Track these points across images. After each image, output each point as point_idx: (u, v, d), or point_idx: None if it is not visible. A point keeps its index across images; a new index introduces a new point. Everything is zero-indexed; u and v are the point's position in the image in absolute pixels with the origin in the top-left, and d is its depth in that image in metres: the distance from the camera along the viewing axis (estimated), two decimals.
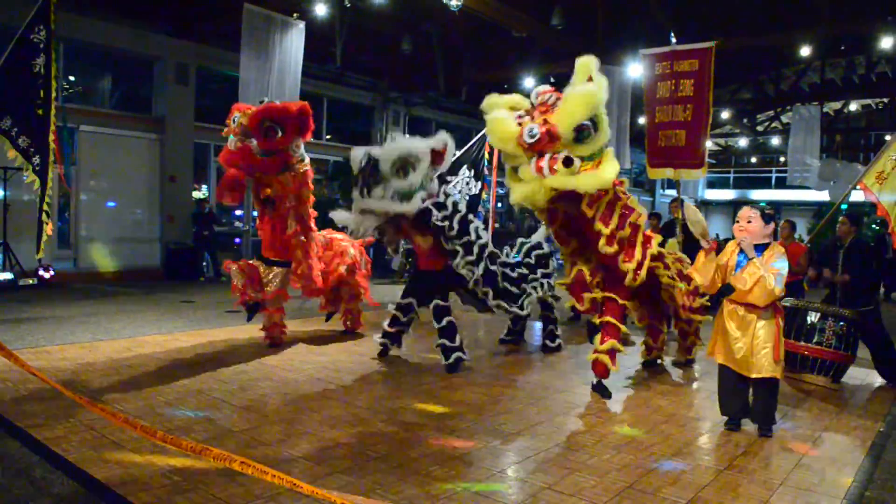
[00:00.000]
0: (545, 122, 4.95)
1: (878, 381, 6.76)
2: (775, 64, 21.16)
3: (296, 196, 7.00)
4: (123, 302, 10.31)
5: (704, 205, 34.14)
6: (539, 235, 8.13)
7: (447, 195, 6.27)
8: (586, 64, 5.12)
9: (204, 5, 13.32)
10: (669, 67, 8.59)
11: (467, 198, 9.63)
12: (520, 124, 5.07)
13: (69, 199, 12.95)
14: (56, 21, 7.61)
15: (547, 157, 4.90)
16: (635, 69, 14.15)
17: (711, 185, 33.82)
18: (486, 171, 10.35)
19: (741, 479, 3.94)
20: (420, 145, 5.94)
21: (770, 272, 4.54)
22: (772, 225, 4.82)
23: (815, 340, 6.37)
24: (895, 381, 6.60)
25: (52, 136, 7.51)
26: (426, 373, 6.41)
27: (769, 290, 4.55)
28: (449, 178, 9.56)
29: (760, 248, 4.70)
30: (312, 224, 7.31)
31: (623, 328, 5.75)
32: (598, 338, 5.73)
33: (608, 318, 5.69)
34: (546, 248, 7.83)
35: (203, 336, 7.75)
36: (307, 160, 7.18)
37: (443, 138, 6.09)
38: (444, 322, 6.42)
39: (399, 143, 5.97)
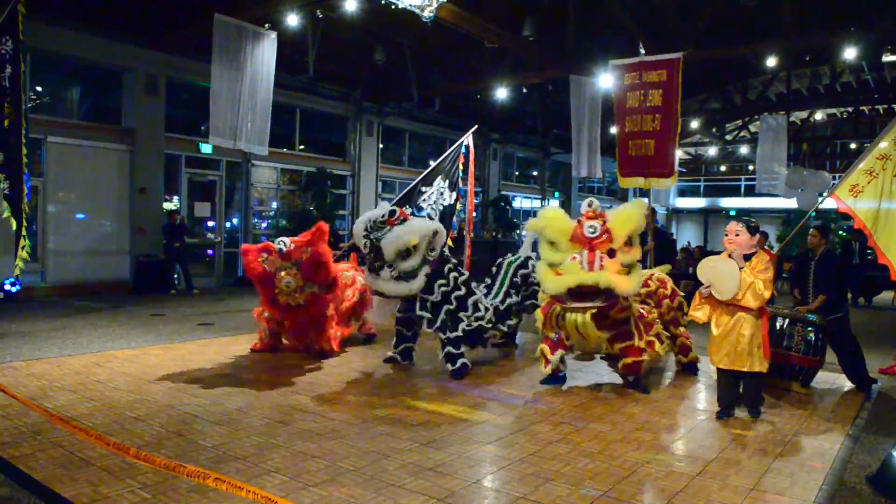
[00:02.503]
0: (604, 223, 5.72)
1: (846, 385, 6.88)
2: (742, 74, 21.56)
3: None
4: (92, 316, 10.13)
5: (675, 213, 34.64)
6: (525, 249, 8.14)
7: (444, 260, 6.76)
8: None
9: (174, 15, 13.21)
10: (638, 78, 8.72)
11: (440, 208, 9.64)
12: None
13: (36, 212, 12.71)
14: (24, 31, 7.50)
15: (598, 253, 5.55)
16: (605, 80, 14.32)
17: (682, 193, 34.32)
18: (460, 182, 10.38)
19: (714, 485, 3.98)
20: (418, 232, 6.33)
21: (759, 278, 5.03)
22: (758, 236, 5.29)
23: (784, 345, 6.47)
24: (864, 386, 6.72)
25: (23, 151, 7.40)
26: (400, 384, 6.40)
27: (759, 294, 5.04)
28: (423, 189, 9.56)
29: (748, 258, 5.20)
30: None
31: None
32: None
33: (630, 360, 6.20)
34: (531, 265, 7.83)
35: (174, 350, 7.65)
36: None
37: (435, 226, 6.62)
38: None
39: (398, 233, 6.26)
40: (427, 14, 10.57)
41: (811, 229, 7.23)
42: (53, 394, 5.56)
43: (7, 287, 11.01)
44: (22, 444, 4.28)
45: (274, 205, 17.60)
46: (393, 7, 10.54)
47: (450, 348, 6.69)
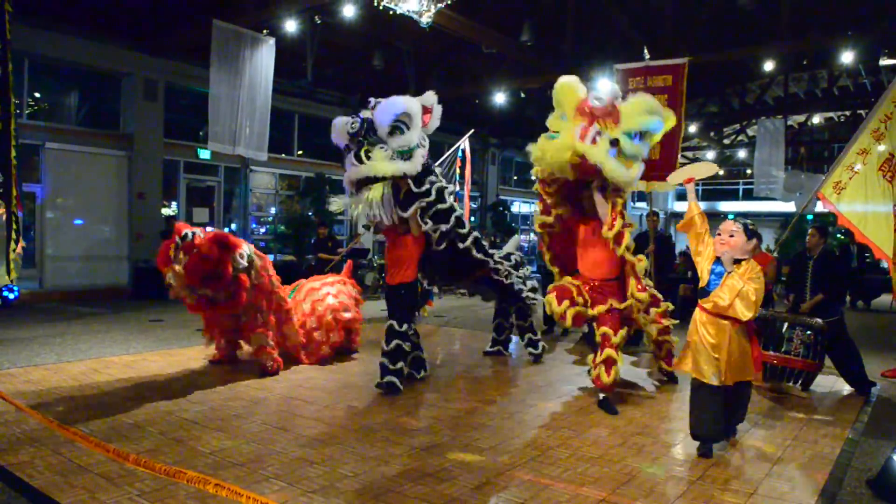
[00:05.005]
0: (615, 99, 5.53)
1: (845, 388, 6.87)
2: (740, 78, 21.58)
3: (265, 291, 6.84)
4: (90, 322, 10.11)
5: (674, 217, 34.64)
6: (511, 246, 8.13)
7: (437, 173, 6.29)
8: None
9: (173, 21, 13.23)
10: (643, 83, 8.72)
11: None
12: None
13: (34, 217, 12.71)
14: (12, 31, 7.46)
15: (594, 128, 5.35)
16: (604, 84, 14.31)
17: (681, 197, 34.29)
18: (457, 186, 10.39)
19: (714, 490, 3.97)
20: (411, 101, 5.90)
21: (750, 286, 4.43)
22: (754, 241, 4.62)
23: (783, 349, 6.47)
24: (862, 389, 6.71)
25: (13, 153, 7.36)
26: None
27: (751, 303, 4.40)
28: None
29: (737, 262, 4.58)
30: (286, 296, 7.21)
31: (616, 337, 5.73)
32: (591, 356, 5.82)
33: (604, 329, 5.77)
34: (517, 257, 7.81)
35: (172, 356, 7.63)
36: (250, 257, 6.62)
37: (431, 97, 6.15)
38: (391, 345, 6.15)
39: (392, 101, 5.79)
40: (425, 19, 10.58)
41: (810, 229, 7.24)
42: (51, 400, 5.55)
43: (5, 293, 10.99)
44: (20, 451, 4.26)
45: (272, 210, 17.60)
46: (391, 13, 10.55)
47: (385, 360, 6.15)
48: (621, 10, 14.21)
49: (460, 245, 6.43)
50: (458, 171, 10.31)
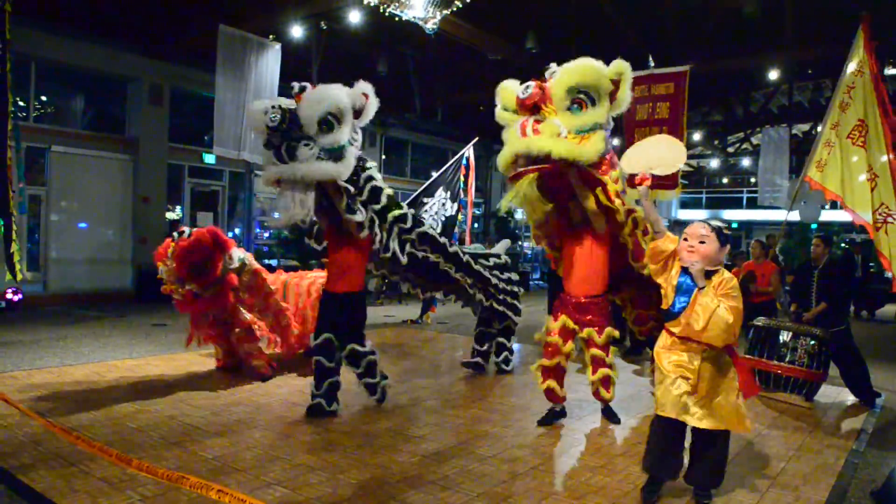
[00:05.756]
0: (542, 82, 4.91)
1: (850, 398, 6.84)
2: (744, 87, 21.60)
3: (259, 297, 6.99)
4: (94, 325, 10.12)
5: (678, 224, 34.59)
6: (500, 247, 7.82)
7: (372, 166, 5.53)
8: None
9: (179, 26, 13.28)
10: (647, 91, 8.76)
11: (442, 219, 9.64)
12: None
13: (39, 220, 12.74)
14: (19, 35, 7.50)
15: (531, 120, 4.73)
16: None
17: (685, 205, 34.25)
18: (461, 194, 10.39)
19: (717, 500, 3.95)
20: (342, 93, 5.08)
21: (725, 304, 3.59)
22: (728, 247, 3.79)
23: (787, 359, 6.44)
24: (867, 399, 6.68)
25: (9, 153, 7.37)
26: (401, 395, 6.37)
27: (728, 326, 3.56)
28: (425, 200, 9.57)
29: (709, 275, 3.73)
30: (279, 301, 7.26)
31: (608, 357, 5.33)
32: (589, 369, 5.46)
33: (594, 352, 5.34)
34: (504, 259, 7.46)
35: (175, 360, 7.63)
36: (242, 260, 6.75)
37: (362, 87, 5.28)
38: (363, 366, 5.65)
39: (318, 92, 4.99)
40: (430, 26, 10.62)
41: (814, 238, 7.23)
42: (54, 404, 5.55)
43: (9, 296, 11.01)
44: (22, 455, 4.27)
45: (276, 215, 17.56)
46: (396, 19, 10.58)
47: (367, 379, 5.75)
48: (626, 18, 14.22)
49: (417, 251, 5.95)
50: (462, 178, 10.32)
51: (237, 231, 16.41)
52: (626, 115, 9.19)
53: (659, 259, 3.93)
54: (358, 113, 5.24)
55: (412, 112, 17.96)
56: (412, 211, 5.98)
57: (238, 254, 6.69)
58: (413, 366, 7.79)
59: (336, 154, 4.97)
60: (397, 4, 10.13)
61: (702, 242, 3.68)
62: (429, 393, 6.54)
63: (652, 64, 8.83)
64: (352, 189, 5.19)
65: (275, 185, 5.09)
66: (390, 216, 5.62)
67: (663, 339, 3.89)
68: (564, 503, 3.83)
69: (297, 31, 12.43)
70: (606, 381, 5.42)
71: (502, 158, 4.83)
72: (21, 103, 12.69)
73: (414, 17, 10.49)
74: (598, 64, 4.83)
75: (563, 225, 5.52)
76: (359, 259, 5.61)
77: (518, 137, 4.70)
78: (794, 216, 10.16)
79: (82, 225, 13.49)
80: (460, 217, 10.46)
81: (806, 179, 7.03)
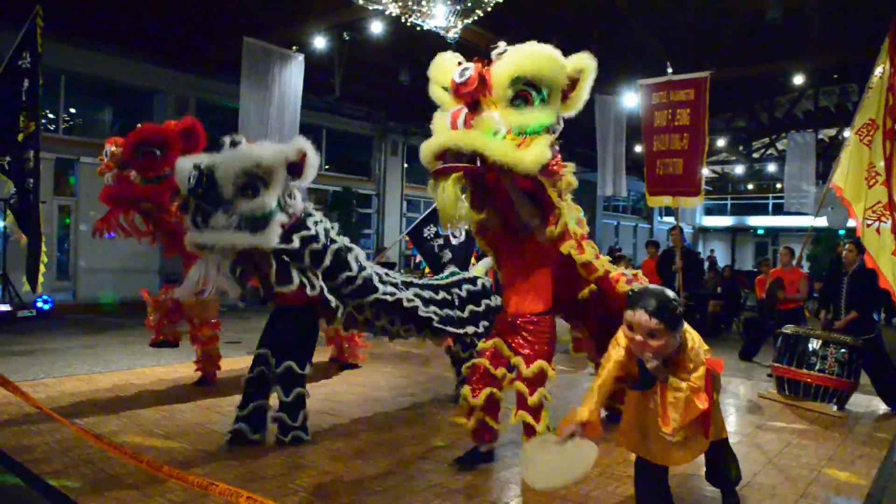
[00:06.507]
0: (484, 64, 4.01)
1: (882, 408, 6.72)
2: (769, 92, 21.37)
3: None
4: (123, 333, 10.26)
5: (702, 232, 34.32)
6: (480, 269, 6.77)
7: (316, 221, 4.79)
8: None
9: (204, 38, 13.49)
10: (666, 97, 8.68)
11: (466, 227, 9.63)
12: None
13: (68, 231, 12.97)
14: (50, 49, 7.70)
15: (464, 111, 3.93)
16: (630, 98, 14.31)
17: (709, 212, 34.02)
18: None
19: None
20: (269, 152, 4.36)
21: (693, 386, 3.09)
22: (682, 325, 3.13)
23: (817, 368, 6.35)
24: None
25: (31, 162, 7.54)
26: (427, 403, 6.37)
27: (699, 410, 3.10)
28: None
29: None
30: None
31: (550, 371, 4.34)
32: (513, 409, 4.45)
33: (518, 386, 4.33)
34: (481, 284, 6.20)
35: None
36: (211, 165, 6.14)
37: (299, 144, 4.49)
38: (291, 396, 4.89)
39: (242, 150, 4.35)
40: (452, 35, 10.65)
41: (847, 244, 7.12)
42: (84, 410, 5.63)
43: (39, 304, 11.21)
44: (53, 461, 4.33)
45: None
46: (418, 29, 10.64)
47: (283, 415, 4.92)
48: (647, 25, 14.18)
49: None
50: None
51: None
52: (644, 121, 9.20)
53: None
54: (297, 171, 4.50)
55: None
56: (358, 257, 5.04)
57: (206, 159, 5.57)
58: (437, 373, 7.79)
59: (258, 222, 4.21)
60: (419, 14, 10.19)
61: (652, 336, 3.01)
62: (452, 400, 6.51)
63: (670, 70, 8.76)
64: (285, 257, 4.53)
65: (198, 251, 4.33)
66: (341, 277, 4.87)
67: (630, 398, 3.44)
68: None
69: (319, 42, 12.57)
70: (528, 429, 4.26)
71: (427, 149, 4.02)
72: (51, 115, 12.96)
73: (435, 27, 10.54)
74: (556, 53, 4.02)
75: (500, 228, 4.62)
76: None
77: (447, 129, 3.97)
78: (822, 222, 10.03)
79: (110, 234, 13.66)
80: None
81: (832, 186, 7.00)
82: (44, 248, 7.67)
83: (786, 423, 6.03)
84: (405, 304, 5.25)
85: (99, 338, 9.70)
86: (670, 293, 3.11)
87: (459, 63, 4.04)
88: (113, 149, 6.10)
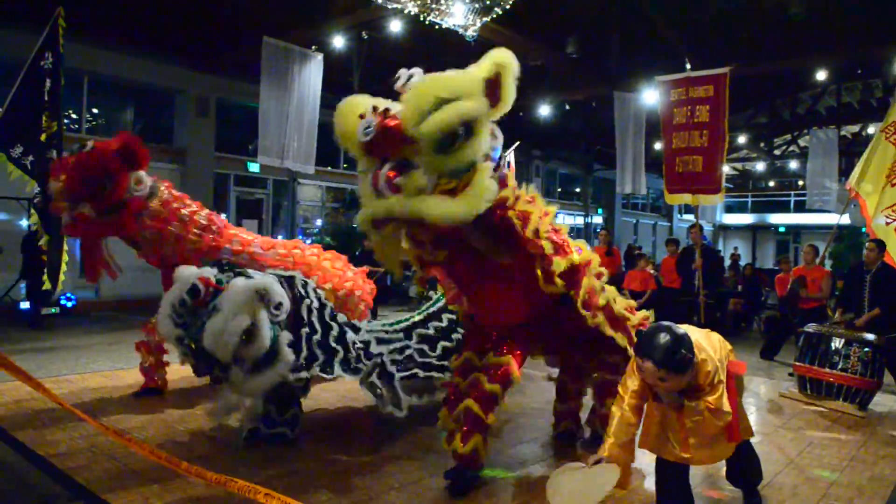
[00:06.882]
0: (386, 112, 3.41)
1: None
2: (791, 88, 21.13)
3: (171, 237, 5.87)
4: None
5: (722, 229, 34.00)
6: None
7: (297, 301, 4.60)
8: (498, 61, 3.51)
9: (224, 39, 13.60)
10: (685, 94, 8.62)
11: None
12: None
13: None
14: (73, 50, 7.81)
15: (386, 168, 3.32)
16: (650, 95, 14.22)
17: (729, 209, 33.69)
18: None
19: None
20: (244, 305, 4.10)
21: (710, 408, 3.09)
22: (691, 369, 3.05)
23: (840, 367, 6.28)
24: None
25: (52, 161, 7.64)
26: None
27: (718, 428, 3.16)
28: None
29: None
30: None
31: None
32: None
33: (469, 404, 4.00)
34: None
35: None
36: (162, 187, 5.84)
37: (266, 283, 4.23)
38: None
39: (217, 325, 4.04)
40: (470, 33, 10.65)
41: (868, 243, 7.05)
42: (106, 406, 5.71)
43: (63, 302, 11.37)
44: (78, 456, 4.40)
45: (318, 222, 17.86)
46: (436, 27, 10.65)
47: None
48: (667, 21, 14.07)
49: None
50: None
51: (280, 237, 16.67)
52: (663, 118, 9.14)
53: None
54: None
55: None
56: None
57: (148, 179, 5.62)
58: None
59: (269, 357, 4.23)
60: (438, 13, 10.19)
61: (661, 380, 3.04)
62: None
63: (688, 66, 8.69)
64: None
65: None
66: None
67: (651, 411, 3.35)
68: None
69: (338, 42, 12.63)
70: (475, 421, 3.98)
71: (362, 220, 3.52)
72: (74, 116, 13.15)
73: (454, 25, 10.54)
74: (461, 74, 3.42)
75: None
76: None
77: (372, 197, 3.40)
78: (844, 219, 9.90)
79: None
80: None
81: (847, 188, 6.96)
82: (65, 247, 7.79)
83: (807, 422, 5.97)
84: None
85: (121, 335, 9.81)
86: (679, 334, 3.04)
87: (361, 116, 3.47)
88: (58, 185, 5.36)
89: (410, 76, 3.53)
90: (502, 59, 3.49)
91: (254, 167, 15.17)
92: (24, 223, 11.41)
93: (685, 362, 2.99)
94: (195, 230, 5.98)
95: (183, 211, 5.95)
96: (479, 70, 3.44)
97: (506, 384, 4.01)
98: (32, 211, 7.92)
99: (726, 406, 3.11)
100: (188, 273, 4.37)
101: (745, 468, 3.73)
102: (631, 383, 3.29)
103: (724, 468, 3.83)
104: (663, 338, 3.01)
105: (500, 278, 4.02)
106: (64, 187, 5.29)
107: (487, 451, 4.15)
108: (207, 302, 4.17)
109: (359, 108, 3.54)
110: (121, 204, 5.38)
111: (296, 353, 4.41)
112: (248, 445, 4.76)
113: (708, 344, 3.26)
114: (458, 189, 3.31)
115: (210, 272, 4.37)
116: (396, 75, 3.59)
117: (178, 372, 7.25)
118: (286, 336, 4.32)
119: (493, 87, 3.44)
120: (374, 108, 3.43)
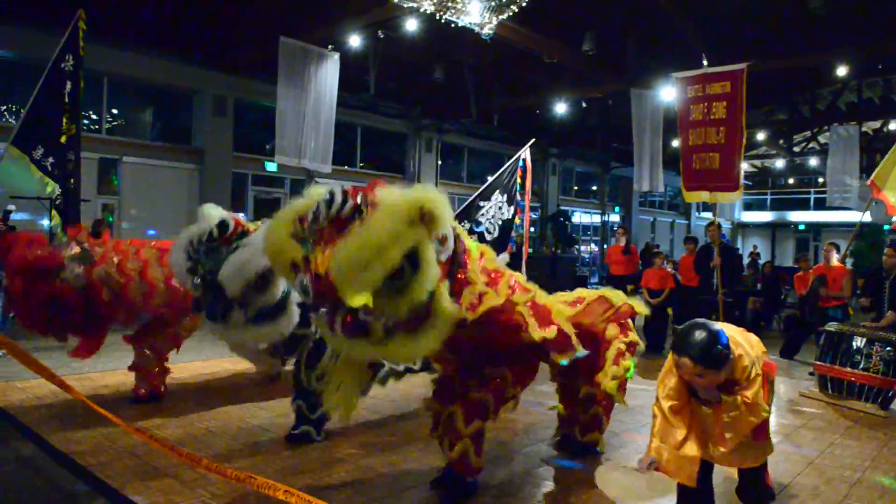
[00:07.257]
0: (321, 263, 3.04)
1: None
2: (810, 84, 20.87)
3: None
4: None
5: (741, 227, 33.68)
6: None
7: None
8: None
9: (241, 38, 13.69)
10: (702, 90, 8.55)
11: (500, 223, 9.63)
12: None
13: (112, 229, 13.29)
14: (93, 52, 7.89)
15: (340, 313, 3.05)
16: (667, 92, 14.12)
17: (748, 207, 33.34)
18: (518, 196, 10.37)
19: None
20: (251, 254, 4.10)
21: (747, 402, 3.12)
22: (728, 363, 3.08)
23: (861, 366, 6.21)
24: None
25: (72, 163, 7.72)
26: None
27: (754, 424, 3.19)
28: (481, 204, 9.58)
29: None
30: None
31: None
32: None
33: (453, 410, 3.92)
34: None
35: (243, 362, 7.78)
36: (85, 253, 5.40)
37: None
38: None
39: (239, 260, 4.13)
40: (486, 31, 10.64)
41: (887, 249, 6.99)
42: (128, 404, 5.76)
43: None
44: (99, 453, 4.45)
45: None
46: (452, 25, 10.65)
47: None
48: (684, 18, 13.96)
49: None
50: (518, 181, 10.29)
51: None
52: (680, 115, 9.07)
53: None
54: None
55: (468, 117, 18.04)
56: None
57: (74, 256, 5.27)
58: None
59: (275, 309, 4.35)
60: (453, 11, 10.19)
61: (700, 377, 3.08)
62: None
63: (705, 63, 8.61)
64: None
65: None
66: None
67: (671, 370, 3.31)
68: None
69: (354, 41, 12.67)
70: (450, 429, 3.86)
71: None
72: (94, 116, 13.30)
73: (470, 23, 10.54)
74: (383, 217, 2.99)
75: None
76: None
77: (332, 337, 3.18)
78: (865, 217, 9.78)
79: (151, 232, 14.00)
80: (517, 220, 10.43)
81: (869, 183, 6.88)
82: None
83: (828, 423, 5.91)
84: None
85: None
86: (714, 330, 3.05)
87: (294, 264, 3.26)
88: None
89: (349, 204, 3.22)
90: (426, 201, 3.02)
91: (271, 167, 15.25)
92: (45, 223, 11.56)
93: (722, 358, 3.03)
94: None
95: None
96: (407, 203, 3.02)
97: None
98: (53, 212, 8.02)
99: (762, 401, 3.15)
100: (217, 211, 4.52)
101: (756, 485, 3.63)
102: (668, 381, 3.30)
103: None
104: (699, 334, 3.03)
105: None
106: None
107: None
108: (231, 240, 4.29)
109: (286, 252, 3.31)
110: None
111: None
112: (271, 444, 4.80)
113: (744, 339, 3.29)
114: (421, 318, 3.12)
115: (239, 215, 4.57)
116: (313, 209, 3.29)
117: (196, 369, 7.33)
118: (296, 297, 4.28)
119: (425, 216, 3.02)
120: (306, 260, 3.13)
